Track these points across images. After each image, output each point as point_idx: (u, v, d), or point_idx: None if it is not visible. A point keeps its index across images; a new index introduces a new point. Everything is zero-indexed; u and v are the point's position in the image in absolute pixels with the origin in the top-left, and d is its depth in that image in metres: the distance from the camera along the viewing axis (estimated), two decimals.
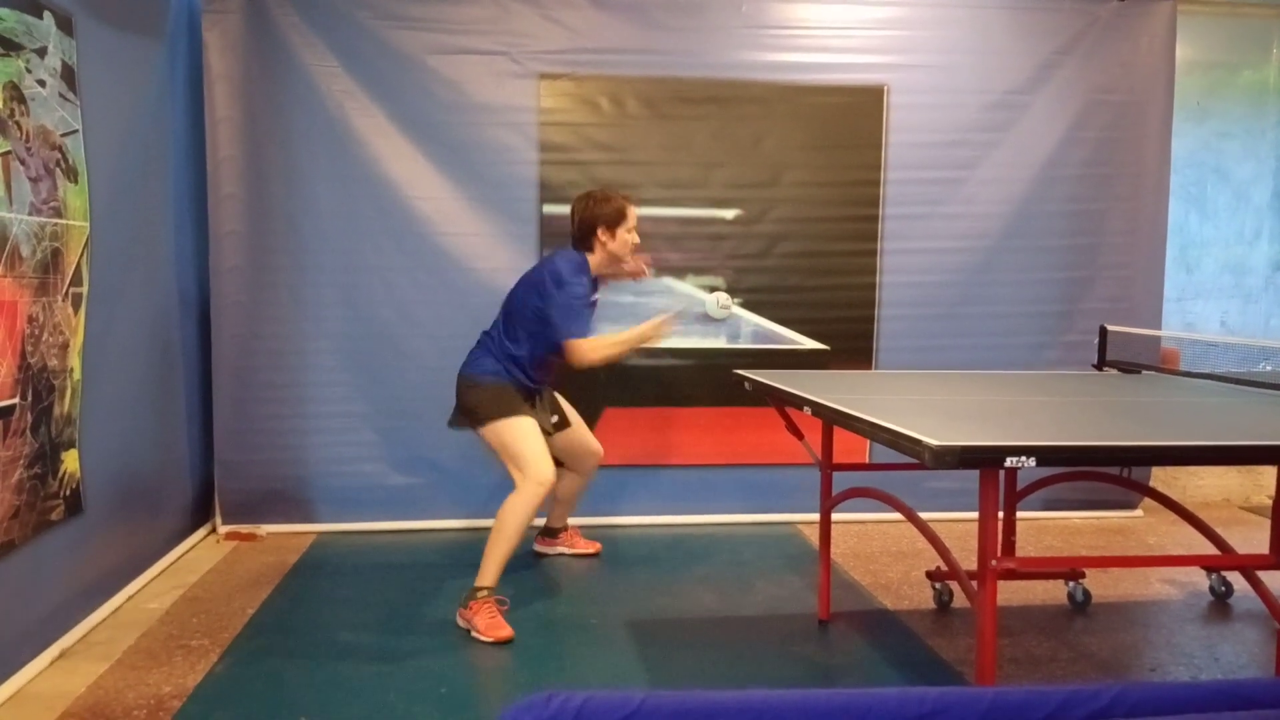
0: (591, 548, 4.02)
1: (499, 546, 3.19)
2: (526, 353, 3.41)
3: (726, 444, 4.50)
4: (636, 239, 3.49)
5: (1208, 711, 1.14)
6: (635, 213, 3.47)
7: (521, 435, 3.30)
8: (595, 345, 3.30)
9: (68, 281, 2.97)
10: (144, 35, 3.62)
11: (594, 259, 3.44)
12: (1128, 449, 2.11)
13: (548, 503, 3.76)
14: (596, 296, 3.53)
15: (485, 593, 3.16)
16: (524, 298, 3.40)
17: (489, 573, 3.19)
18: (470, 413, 3.40)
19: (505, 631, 3.07)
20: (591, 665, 2.93)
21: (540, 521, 3.94)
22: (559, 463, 3.60)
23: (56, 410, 2.91)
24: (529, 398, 3.46)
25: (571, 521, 4.07)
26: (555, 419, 3.68)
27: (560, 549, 4.00)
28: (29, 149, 2.74)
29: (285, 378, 4.21)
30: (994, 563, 2.17)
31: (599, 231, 3.41)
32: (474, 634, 3.09)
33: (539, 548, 4.00)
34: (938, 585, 3.47)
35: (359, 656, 2.93)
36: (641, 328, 3.38)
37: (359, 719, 2.53)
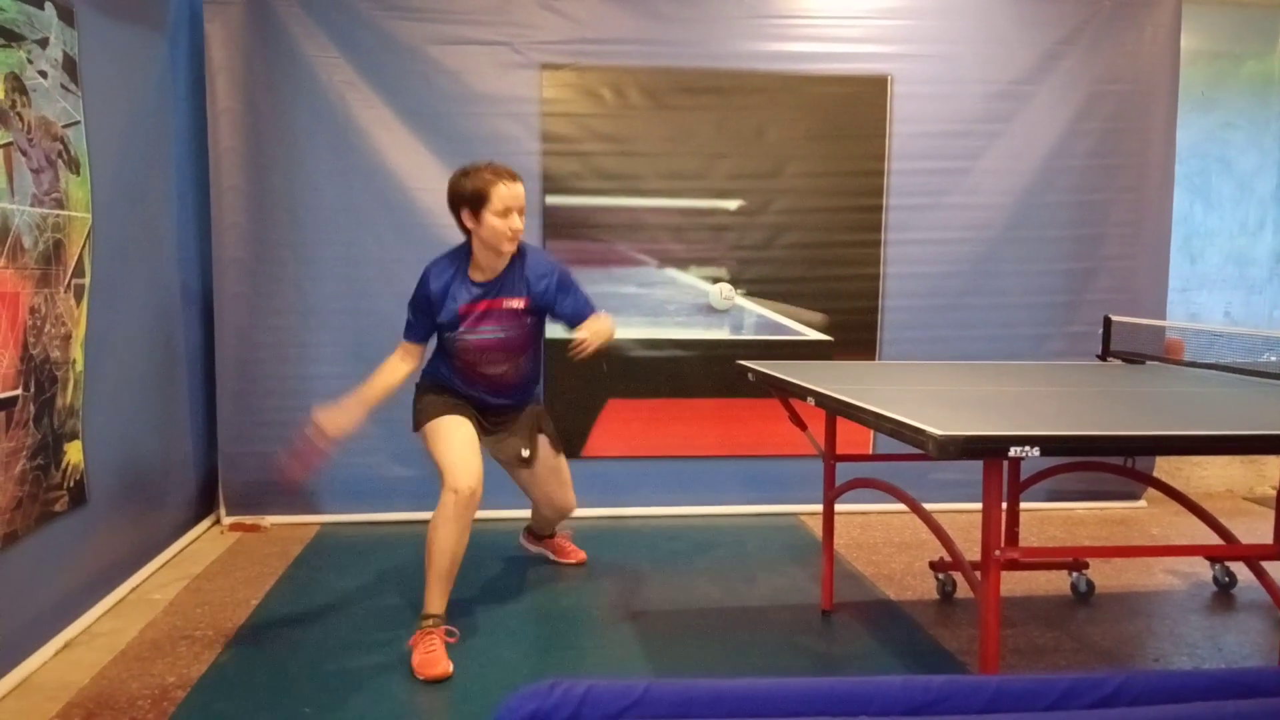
0: (575, 558, 3.76)
1: (431, 568, 2.85)
2: (446, 359, 3.13)
3: (730, 435, 4.50)
4: (516, 224, 2.90)
5: (1211, 700, 1.14)
6: (510, 190, 2.88)
7: (438, 438, 2.99)
8: (383, 368, 3.07)
9: (70, 273, 2.97)
10: (145, 27, 3.62)
11: (476, 250, 2.98)
12: (1131, 438, 2.10)
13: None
14: (484, 301, 3.01)
15: (431, 621, 2.83)
16: None
17: (431, 599, 2.86)
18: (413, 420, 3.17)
19: (438, 669, 2.70)
20: (594, 656, 2.93)
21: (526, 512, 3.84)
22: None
23: (59, 402, 2.91)
24: (473, 407, 3.14)
25: (575, 514, 4.03)
26: (527, 453, 3.26)
27: (542, 552, 3.81)
28: (31, 140, 2.73)
29: (288, 369, 4.21)
30: (997, 552, 2.16)
31: (463, 215, 2.92)
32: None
33: (523, 541, 3.85)
34: (941, 576, 3.47)
35: (362, 647, 2.94)
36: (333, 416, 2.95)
37: (362, 709, 2.54)
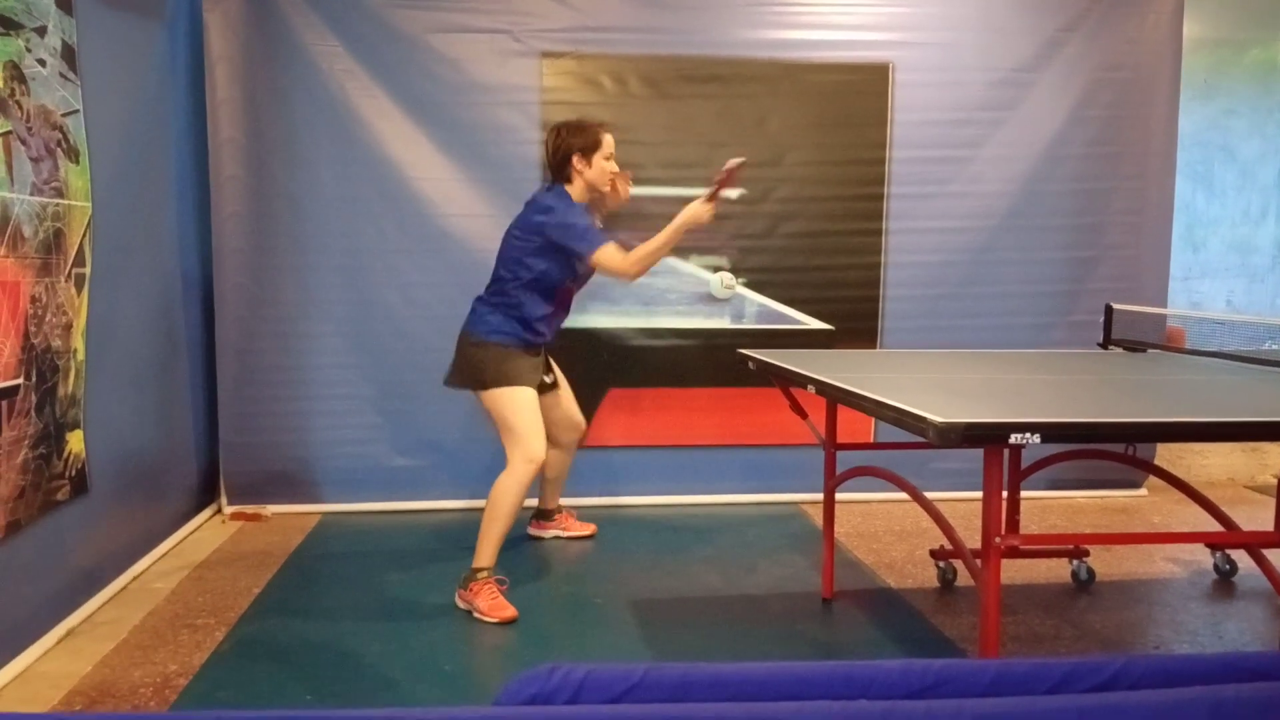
0: (586, 530, 3.98)
1: (493, 527, 3.16)
2: (529, 304, 3.28)
3: (730, 424, 4.50)
4: (615, 167, 3.37)
5: (1211, 684, 1.14)
6: (611, 140, 3.35)
7: (520, 408, 3.22)
8: (627, 258, 3.15)
9: (70, 262, 2.97)
10: (144, 15, 3.61)
11: (573, 190, 3.33)
12: (1133, 425, 2.10)
13: (537, 483, 3.73)
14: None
15: (485, 573, 3.14)
16: (520, 242, 3.26)
17: (485, 553, 3.16)
18: (472, 374, 3.29)
19: (509, 611, 3.06)
20: (595, 643, 2.94)
21: (532, 503, 3.92)
22: None
23: (60, 391, 2.91)
24: (534, 353, 3.37)
25: (575, 501, 4.08)
26: (550, 379, 3.63)
27: (554, 532, 3.96)
28: (30, 129, 2.73)
29: (288, 360, 4.21)
30: (998, 539, 2.16)
31: (574, 160, 3.31)
32: (476, 615, 3.09)
33: (533, 531, 3.96)
34: (941, 564, 3.47)
35: (363, 635, 2.94)
36: (682, 215, 3.18)
37: (363, 697, 2.54)
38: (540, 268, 3.25)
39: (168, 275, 3.83)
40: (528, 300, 3.29)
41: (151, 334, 3.66)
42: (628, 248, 3.18)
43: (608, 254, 3.16)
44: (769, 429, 4.46)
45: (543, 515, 3.97)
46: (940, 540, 3.50)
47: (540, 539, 3.96)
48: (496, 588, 3.13)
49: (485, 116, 4.22)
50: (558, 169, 3.34)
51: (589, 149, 3.31)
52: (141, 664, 2.73)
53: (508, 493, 3.15)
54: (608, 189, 3.39)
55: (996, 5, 4.44)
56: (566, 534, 3.96)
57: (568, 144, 3.31)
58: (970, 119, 4.46)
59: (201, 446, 4.17)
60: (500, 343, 3.28)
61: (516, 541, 3.87)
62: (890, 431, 2.97)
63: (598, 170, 3.32)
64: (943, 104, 4.44)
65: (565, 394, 3.74)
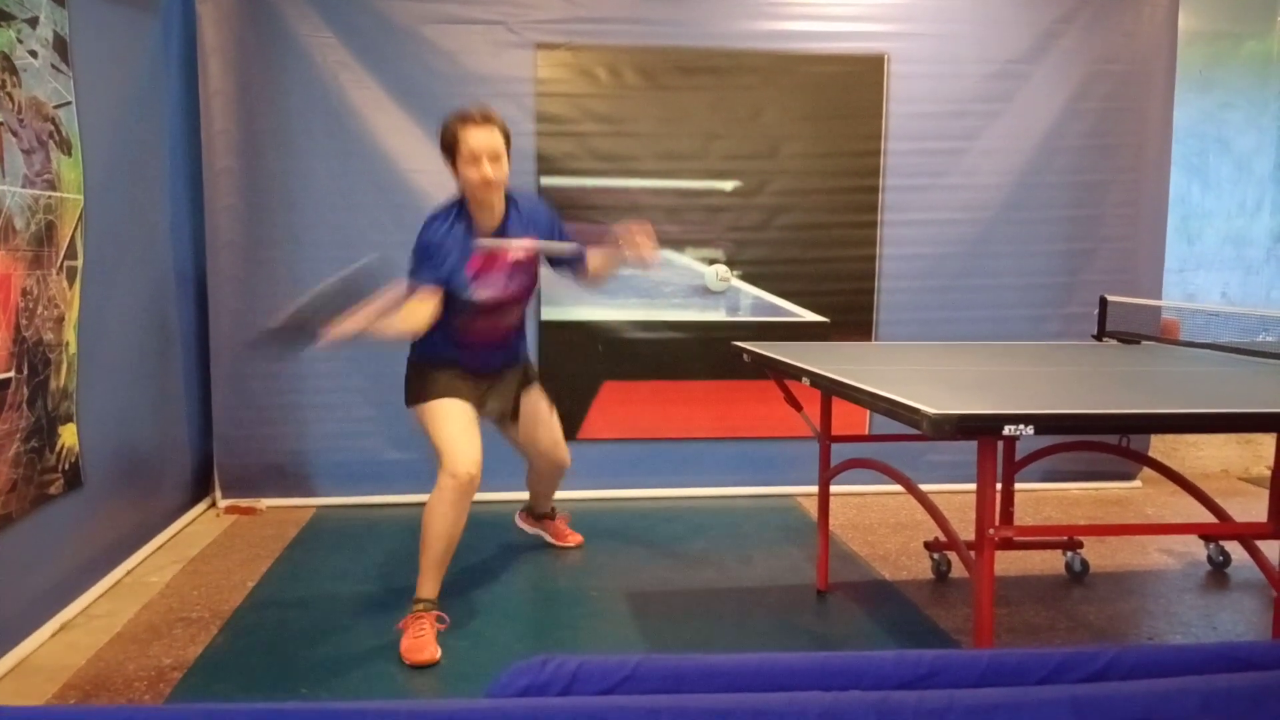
0: (572, 541, 3.74)
1: (425, 554, 2.85)
2: (439, 333, 2.92)
3: (725, 417, 4.50)
4: (486, 171, 2.79)
5: (1204, 674, 1.14)
6: (477, 135, 2.78)
7: (436, 420, 2.92)
8: (405, 310, 2.78)
9: (62, 255, 2.95)
10: (137, 7, 3.59)
11: (469, 203, 2.90)
12: (1127, 416, 2.10)
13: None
14: (480, 243, 2.91)
15: (422, 605, 2.81)
16: None
17: (424, 584, 2.85)
18: (405, 393, 3.08)
19: (426, 654, 2.68)
20: (590, 636, 2.94)
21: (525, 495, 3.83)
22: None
23: (53, 384, 2.90)
24: (464, 376, 3.02)
25: (568, 494, 4.05)
26: (507, 407, 3.23)
27: (539, 533, 3.76)
28: (21, 121, 2.71)
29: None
30: (991, 531, 2.17)
31: (448, 163, 2.87)
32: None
33: (520, 523, 3.80)
34: (936, 556, 3.48)
35: (358, 628, 2.94)
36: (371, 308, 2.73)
37: (358, 690, 2.54)
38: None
39: (161, 268, 3.82)
40: (438, 330, 2.91)
41: (145, 327, 3.65)
42: (438, 296, 2.86)
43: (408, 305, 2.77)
44: (764, 422, 4.46)
45: (531, 513, 3.79)
46: (934, 532, 3.51)
47: (523, 531, 3.80)
48: (430, 625, 2.77)
49: None
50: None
51: (449, 150, 2.84)
52: (136, 657, 2.72)
53: (431, 513, 2.84)
54: (482, 197, 2.86)
55: None
56: (550, 540, 3.74)
57: (441, 142, 2.86)
58: (966, 111, 4.46)
59: (195, 440, 4.16)
60: (417, 360, 3.05)
61: (513, 534, 3.86)
62: (885, 424, 2.98)
63: (461, 179, 2.83)
64: (938, 96, 4.44)
65: (540, 431, 3.29)
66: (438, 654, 2.71)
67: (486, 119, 2.84)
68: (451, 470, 2.81)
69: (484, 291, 2.93)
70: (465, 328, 2.99)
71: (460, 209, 2.92)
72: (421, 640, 2.72)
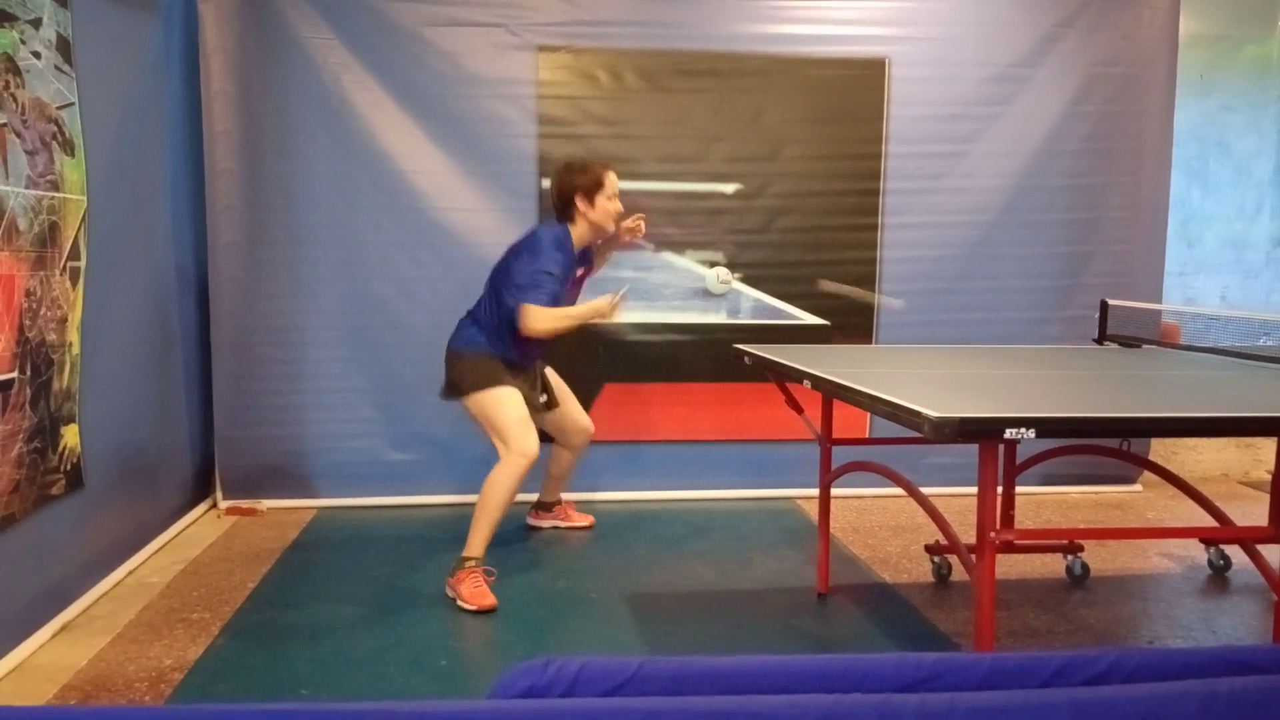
0: (584, 521, 4.03)
1: (484, 518, 3.21)
2: (510, 324, 3.31)
3: (726, 419, 4.50)
4: (618, 206, 3.42)
5: (1205, 678, 1.14)
6: (615, 180, 3.41)
7: (503, 406, 3.28)
8: (544, 315, 3.22)
9: (65, 255, 2.96)
10: (139, 8, 3.59)
11: (576, 230, 3.40)
12: (1127, 420, 2.11)
13: (540, 476, 3.83)
14: (584, 270, 3.53)
15: (472, 563, 3.18)
16: (506, 268, 3.35)
17: (475, 544, 3.21)
18: (454, 385, 3.40)
19: (488, 600, 3.08)
20: (590, 637, 2.94)
21: (533, 496, 3.94)
22: (550, 438, 3.62)
23: (55, 385, 2.90)
24: (515, 371, 3.42)
25: (571, 496, 4.08)
26: (544, 398, 3.65)
27: (553, 522, 4.01)
28: (25, 121, 2.72)
29: (284, 354, 4.20)
30: (992, 534, 2.17)
31: (577, 201, 3.36)
32: (459, 603, 3.12)
33: (531, 521, 4.02)
34: (936, 559, 3.48)
35: (359, 630, 2.94)
36: (592, 304, 3.31)
37: (359, 691, 2.54)
38: (509, 307, 3.28)
39: (163, 268, 3.82)
40: (501, 331, 3.35)
41: (146, 328, 3.66)
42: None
43: (530, 312, 3.19)
44: (764, 424, 4.46)
45: (542, 506, 4.02)
46: (935, 535, 3.51)
47: (539, 529, 3.99)
48: (483, 577, 3.17)
49: (481, 110, 4.21)
50: (562, 209, 3.40)
51: (592, 189, 3.36)
52: (137, 658, 2.72)
53: (499, 486, 3.21)
54: (612, 229, 3.46)
55: (993, 1, 4.44)
56: (565, 524, 4.00)
57: (571, 184, 3.36)
58: (966, 114, 4.46)
59: (197, 441, 4.17)
60: (475, 352, 3.37)
61: (515, 534, 3.87)
62: (886, 427, 2.98)
63: (601, 210, 3.38)
64: (939, 99, 4.44)
65: (568, 405, 3.77)
66: (495, 601, 3.09)
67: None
68: (524, 450, 3.22)
69: (566, 303, 3.43)
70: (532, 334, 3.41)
71: (566, 239, 3.38)
72: (481, 590, 3.11)
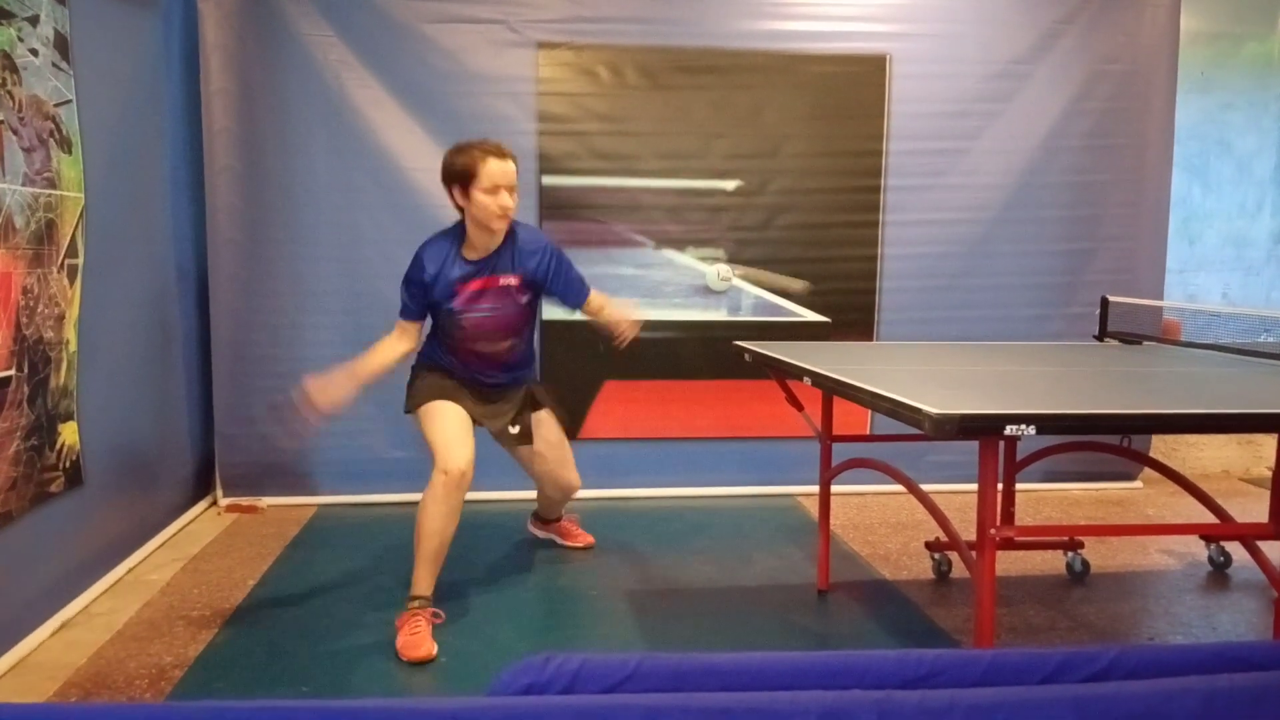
0: (583, 541, 3.74)
1: (419, 549, 2.87)
2: (439, 346, 3.11)
3: (726, 417, 4.50)
4: (504, 201, 2.86)
5: (1206, 674, 1.14)
6: (498, 168, 2.84)
7: (430, 420, 2.98)
8: (381, 347, 3.03)
9: (63, 253, 2.95)
10: (138, 4, 3.59)
11: (469, 228, 2.95)
12: (1128, 417, 2.10)
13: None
14: (484, 280, 2.99)
15: (417, 603, 2.82)
16: None
17: (418, 580, 2.86)
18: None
19: (422, 651, 2.69)
20: (591, 634, 2.94)
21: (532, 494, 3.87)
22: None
23: (53, 382, 2.90)
24: (463, 386, 3.10)
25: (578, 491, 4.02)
26: (515, 429, 3.24)
27: (551, 536, 3.78)
28: (22, 119, 2.71)
29: (284, 351, 4.20)
30: (993, 531, 2.17)
31: (454, 192, 2.89)
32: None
33: (531, 528, 3.84)
34: (937, 556, 3.48)
35: (359, 627, 2.94)
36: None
37: (359, 689, 2.54)
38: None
39: (161, 266, 3.82)
40: (438, 341, 3.13)
41: (145, 325, 3.65)
42: (414, 329, 3.09)
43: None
44: (765, 421, 4.45)
45: (540, 518, 3.81)
46: (935, 532, 3.51)
47: (535, 536, 3.84)
48: (425, 621, 2.78)
49: (481, 107, 4.20)
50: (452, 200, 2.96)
51: (465, 179, 2.85)
52: (137, 655, 2.72)
53: (423, 510, 2.87)
54: (496, 228, 2.92)
55: None
56: (562, 542, 3.75)
57: (445, 171, 2.90)
58: (967, 111, 4.46)
59: (197, 438, 4.16)
60: (417, 367, 3.17)
61: (515, 531, 3.87)
62: (886, 424, 2.98)
63: (478, 206, 2.85)
64: (940, 96, 4.44)
65: (542, 450, 3.31)
66: (434, 650, 2.72)
67: (505, 152, 2.92)
68: (443, 467, 2.85)
69: (471, 316, 3.02)
70: (461, 349, 3.10)
71: (459, 235, 2.99)
72: (417, 637, 2.73)
